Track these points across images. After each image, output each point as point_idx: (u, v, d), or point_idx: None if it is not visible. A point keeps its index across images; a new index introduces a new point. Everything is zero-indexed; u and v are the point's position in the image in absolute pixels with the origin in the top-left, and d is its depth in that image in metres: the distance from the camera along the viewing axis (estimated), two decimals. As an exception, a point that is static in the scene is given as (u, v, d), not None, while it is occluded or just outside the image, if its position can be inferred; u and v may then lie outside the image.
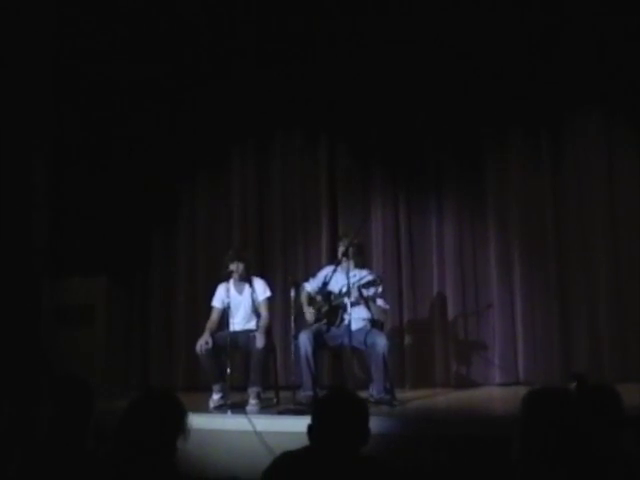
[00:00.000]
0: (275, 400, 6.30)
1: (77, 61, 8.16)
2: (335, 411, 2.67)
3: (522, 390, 3.20)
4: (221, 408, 6.00)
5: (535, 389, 2.68)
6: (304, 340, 6.01)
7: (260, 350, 6.06)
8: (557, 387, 2.72)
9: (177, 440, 2.72)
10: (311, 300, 6.44)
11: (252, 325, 6.35)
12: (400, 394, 6.41)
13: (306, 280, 6.64)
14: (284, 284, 7.44)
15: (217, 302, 6.43)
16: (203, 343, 6.10)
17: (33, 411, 3.04)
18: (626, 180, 7.30)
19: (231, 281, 6.37)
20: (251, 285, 6.40)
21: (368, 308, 6.25)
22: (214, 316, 6.39)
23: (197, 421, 3.31)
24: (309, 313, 6.34)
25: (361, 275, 6.30)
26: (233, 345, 6.10)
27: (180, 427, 2.74)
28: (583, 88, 7.37)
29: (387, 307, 6.50)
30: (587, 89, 7.37)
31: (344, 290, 6.09)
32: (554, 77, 7.41)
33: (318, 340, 6.10)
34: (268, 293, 6.45)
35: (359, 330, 6.08)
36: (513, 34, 7.43)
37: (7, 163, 7.40)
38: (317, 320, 6.25)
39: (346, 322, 5.98)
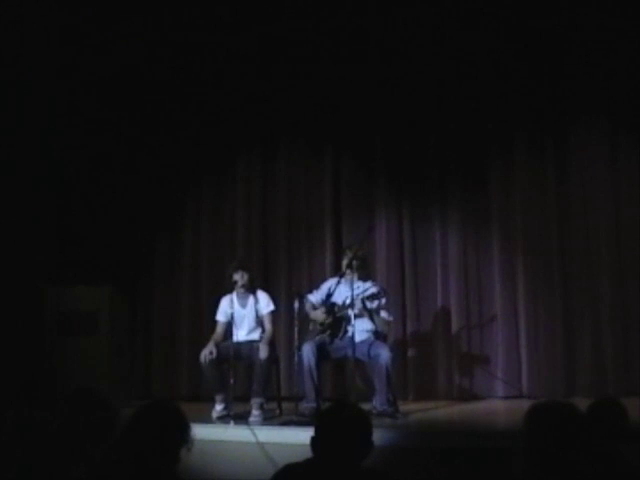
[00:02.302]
0: (278, 411, 6.29)
1: (83, 66, 8.20)
2: (338, 423, 2.68)
3: (525, 403, 3.20)
4: (224, 419, 6.00)
5: (539, 403, 2.67)
6: (307, 352, 6.00)
7: (263, 361, 6.05)
8: (560, 401, 2.72)
9: (180, 451, 2.73)
10: (315, 309, 6.44)
11: (256, 336, 6.34)
12: (403, 406, 6.39)
13: (309, 292, 6.63)
14: (288, 295, 7.44)
15: (221, 316, 6.42)
16: (207, 353, 6.09)
17: (38, 418, 3.05)
18: (631, 194, 7.28)
19: (234, 293, 6.38)
20: (255, 297, 6.40)
21: (372, 320, 6.23)
22: (218, 330, 6.39)
23: (199, 431, 3.31)
24: (319, 314, 6.31)
25: (365, 287, 6.29)
26: (236, 356, 6.09)
27: (183, 438, 2.74)
28: (587, 100, 7.38)
29: (391, 319, 6.47)
30: (591, 101, 7.38)
31: (348, 302, 6.09)
32: (558, 89, 7.43)
33: (321, 352, 6.09)
34: (272, 307, 6.44)
35: (362, 342, 6.07)
36: (517, 46, 7.45)
37: (12, 171, 7.42)
38: (321, 332, 6.23)
39: (349, 334, 5.97)
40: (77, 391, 3.18)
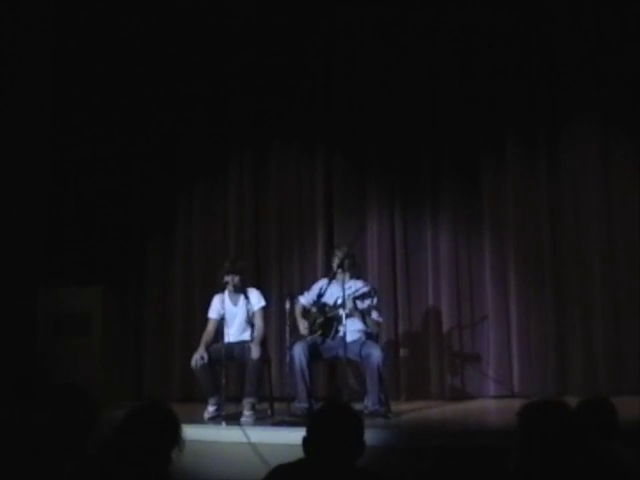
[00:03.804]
0: (270, 412, 6.29)
1: (77, 68, 8.19)
2: (330, 423, 2.67)
3: (517, 403, 3.20)
4: (216, 419, 5.99)
5: (531, 402, 2.68)
6: (299, 352, 6.00)
7: (255, 361, 6.05)
8: (553, 399, 2.73)
9: (171, 451, 2.72)
10: (306, 312, 6.44)
11: (247, 336, 6.33)
12: (395, 406, 6.40)
13: (301, 293, 6.64)
14: (279, 295, 7.44)
15: (212, 313, 6.42)
16: (198, 358, 6.09)
17: (30, 418, 3.05)
18: (623, 193, 7.29)
19: (226, 292, 6.38)
20: (246, 296, 6.39)
21: (363, 320, 6.24)
22: (210, 327, 6.38)
23: (191, 432, 3.30)
24: (303, 327, 6.33)
25: (356, 287, 6.30)
26: (228, 356, 6.10)
27: (174, 439, 2.74)
28: (578, 98, 7.38)
29: (381, 319, 6.48)
30: (583, 99, 7.38)
31: (339, 302, 6.09)
32: (550, 89, 7.44)
33: (313, 352, 6.09)
34: (263, 302, 6.43)
35: (354, 342, 6.07)
36: (509, 44, 7.47)
37: (5, 173, 7.41)
38: (311, 332, 6.24)
39: (341, 334, 5.97)
40: (57, 388, 3.19)
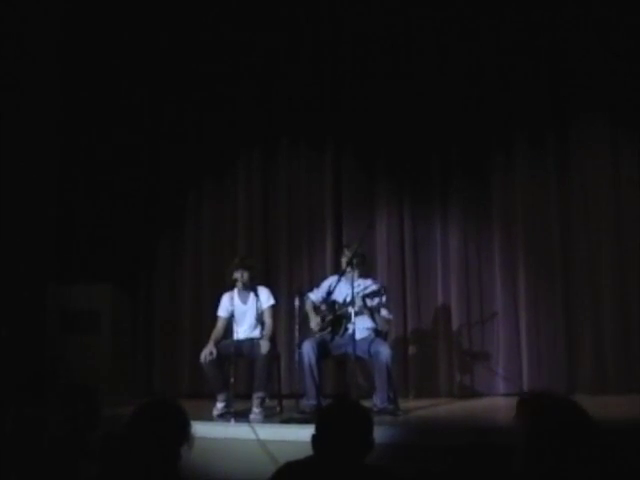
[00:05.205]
0: (278, 409, 6.29)
1: (86, 64, 8.21)
2: (339, 421, 2.68)
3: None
4: (225, 416, 6.01)
5: (532, 398, 2.66)
6: (308, 349, 6.01)
7: (265, 356, 6.06)
8: (558, 395, 2.71)
9: (180, 448, 2.73)
10: (315, 310, 6.45)
11: (257, 334, 6.34)
12: (403, 404, 6.40)
13: (310, 290, 6.64)
14: (289, 293, 7.44)
15: (222, 311, 6.44)
16: (207, 353, 6.10)
17: (39, 416, 3.07)
18: (633, 191, 7.28)
19: (235, 290, 6.39)
20: (256, 294, 6.40)
21: (372, 318, 6.25)
22: (219, 325, 6.40)
23: (200, 429, 3.31)
24: (314, 321, 6.34)
25: (365, 284, 6.31)
26: (237, 353, 6.12)
27: (184, 435, 2.75)
28: (588, 97, 7.38)
29: (390, 317, 6.49)
30: (592, 98, 7.37)
31: (348, 299, 6.10)
32: (559, 88, 7.43)
33: (322, 349, 6.10)
34: (272, 301, 6.44)
35: (363, 339, 6.08)
36: (518, 43, 7.47)
37: (15, 170, 7.43)
38: (321, 329, 6.25)
39: (350, 331, 5.98)
40: (62, 386, 3.22)
